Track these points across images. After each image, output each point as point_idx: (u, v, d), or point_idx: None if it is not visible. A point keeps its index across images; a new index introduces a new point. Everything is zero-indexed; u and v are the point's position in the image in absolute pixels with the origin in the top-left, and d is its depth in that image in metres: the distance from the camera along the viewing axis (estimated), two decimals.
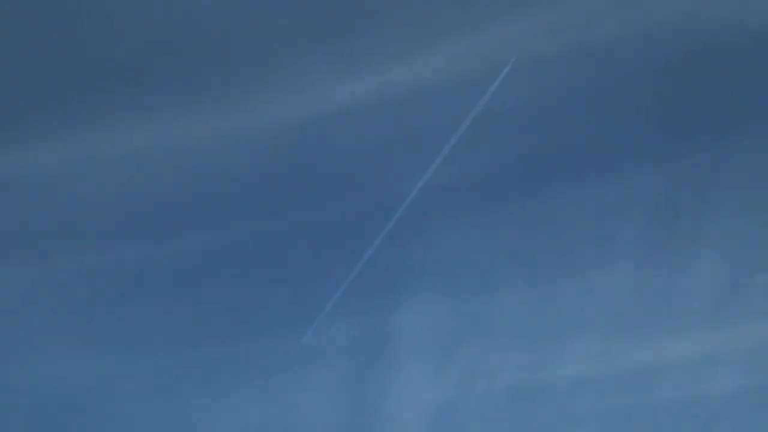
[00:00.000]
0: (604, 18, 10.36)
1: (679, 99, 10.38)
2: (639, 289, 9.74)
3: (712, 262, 9.56)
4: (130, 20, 10.25)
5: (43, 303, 9.61)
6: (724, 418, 9.35)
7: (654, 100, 10.27)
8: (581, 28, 10.49)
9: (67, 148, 9.76)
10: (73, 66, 9.94)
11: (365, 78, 10.15)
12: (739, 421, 9.48)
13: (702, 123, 9.93)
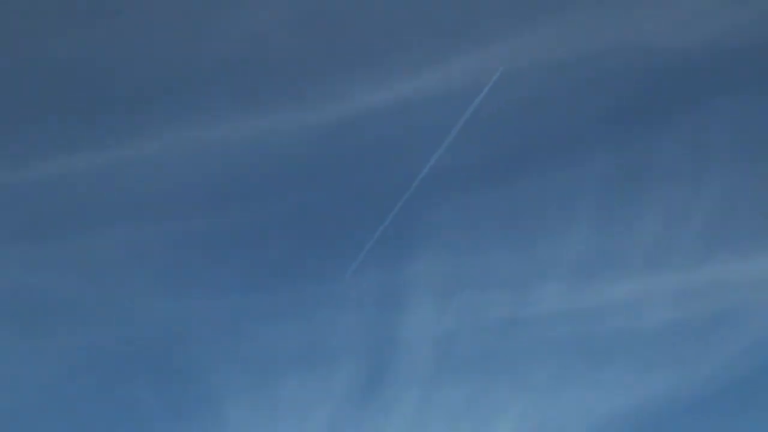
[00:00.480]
0: (575, 36, 13.73)
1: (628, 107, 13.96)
2: (593, 246, 13.34)
3: (646, 226, 13.03)
4: (197, 44, 13.81)
5: (150, 256, 13.01)
6: (655, 343, 13.01)
7: (609, 105, 13.85)
8: (557, 44, 13.84)
9: (163, 141, 13.40)
10: (165, 78, 13.32)
11: (382, 85, 13.50)
12: (668, 346, 12.88)
13: (636, 124, 13.60)
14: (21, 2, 13.86)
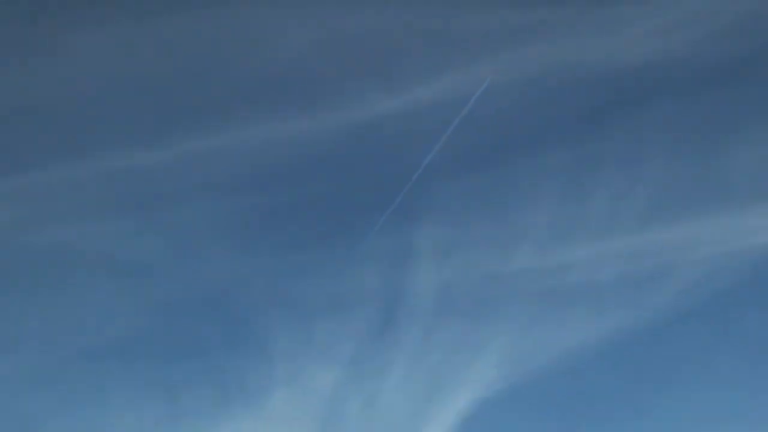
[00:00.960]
0: (545, 55, 18.22)
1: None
2: (559, 218, 17.41)
3: (600, 201, 17.24)
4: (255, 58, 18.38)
5: (219, 225, 18.17)
6: (608, 292, 17.00)
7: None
8: (532, 62, 18.31)
9: (229, 138, 18.35)
10: (228, 92, 18.17)
11: (389, 93, 17.69)
12: (618, 295, 17.04)
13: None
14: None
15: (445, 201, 18.00)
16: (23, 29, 18.03)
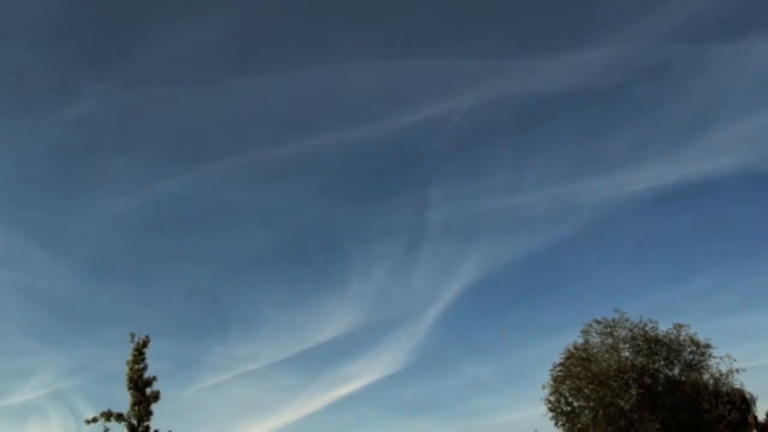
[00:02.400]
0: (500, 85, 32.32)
1: None
2: (511, 180, 26.72)
3: (553, 169, 26.54)
4: None
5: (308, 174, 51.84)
6: (543, 222, 28.09)
7: None
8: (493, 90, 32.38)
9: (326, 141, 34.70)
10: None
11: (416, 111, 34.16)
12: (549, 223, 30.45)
13: None
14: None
15: (446, 172, 47.08)
16: None
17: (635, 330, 41.52)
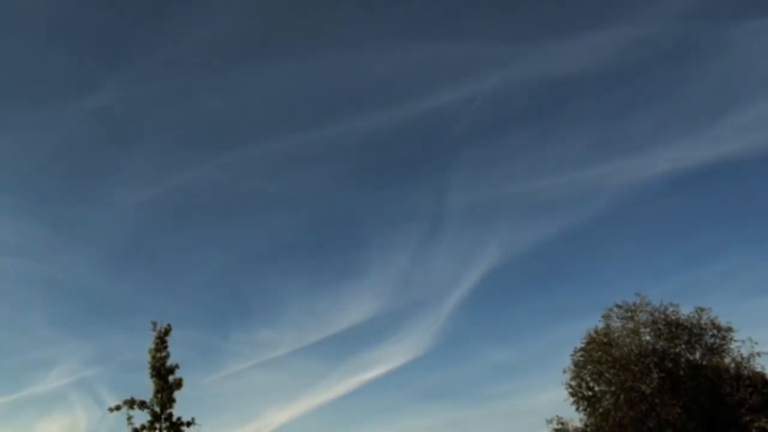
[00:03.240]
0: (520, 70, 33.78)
1: None
2: (532, 163, 29.15)
3: (571, 151, 28.49)
4: None
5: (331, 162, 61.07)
6: (564, 205, 30.35)
7: None
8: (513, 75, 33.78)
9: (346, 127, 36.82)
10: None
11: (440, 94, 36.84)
12: (570, 206, 32.66)
13: None
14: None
15: (466, 157, 51.56)
16: None
17: (656, 314, 41.35)
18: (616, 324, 42.20)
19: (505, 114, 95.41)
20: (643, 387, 39.50)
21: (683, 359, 40.40)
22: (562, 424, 42.94)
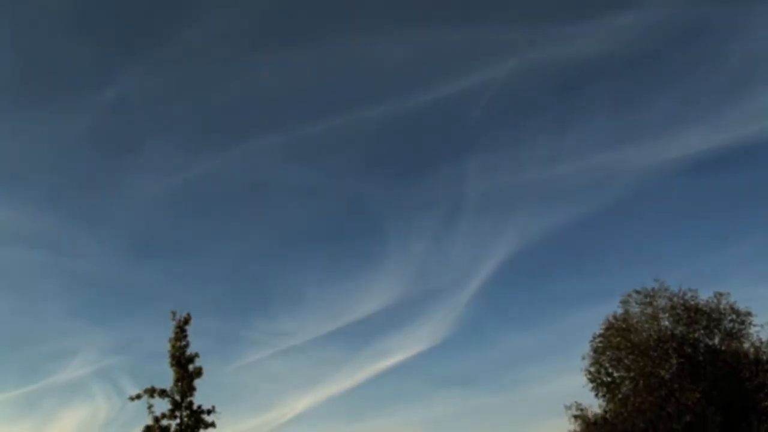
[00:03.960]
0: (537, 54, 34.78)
1: None
2: (548, 150, 29.41)
3: (571, 139, 29.81)
4: None
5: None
6: (582, 192, 30.27)
7: None
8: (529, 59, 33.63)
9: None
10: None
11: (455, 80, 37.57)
12: (587, 193, 34.65)
13: None
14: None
15: (483, 143, 51.05)
16: None
17: (675, 299, 41.27)
18: (635, 309, 42.19)
19: (522, 99, 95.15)
20: (662, 372, 39.47)
21: (702, 344, 40.32)
22: (581, 410, 43.01)
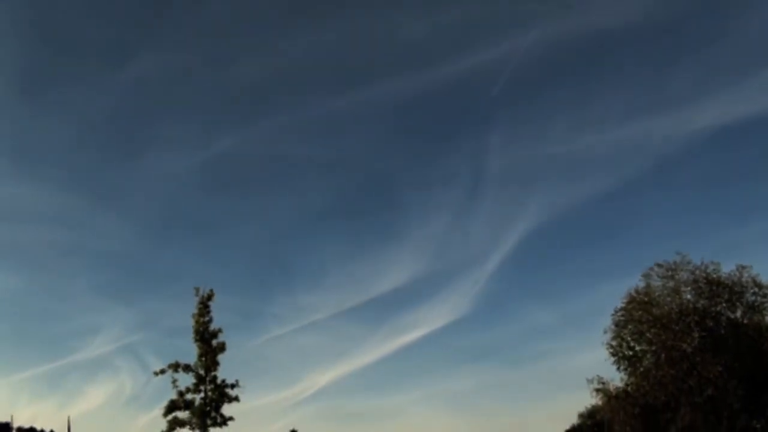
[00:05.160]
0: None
1: None
2: (572, 121, 30.86)
3: (596, 110, 30.90)
4: None
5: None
6: (608, 163, 32.00)
7: None
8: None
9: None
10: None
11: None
12: (613, 165, 35.26)
13: None
14: None
15: (505, 116, 60.70)
16: None
17: (697, 272, 41.04)
18: (657, 283, 42.03)
19: (544, 72, 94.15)
20: (684, 346, 39.42)
21: (724, 317, 40.19)
22: (603, 383, 43.09)
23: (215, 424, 26.21)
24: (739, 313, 40.20)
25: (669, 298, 41.04)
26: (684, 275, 41.25)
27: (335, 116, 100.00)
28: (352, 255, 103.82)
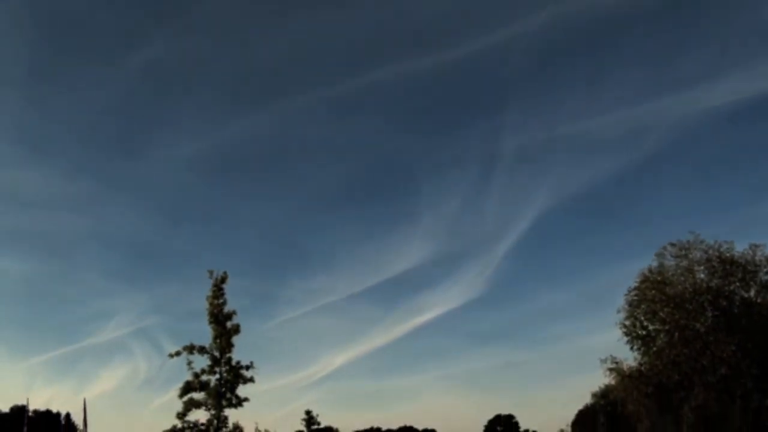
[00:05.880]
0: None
1: None
2: (580, 102, 32.77)
3: (609, 90, 34.13)
4: None
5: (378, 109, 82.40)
6: (616, 144, 35.89)
7: None
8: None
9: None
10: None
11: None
12: (623, 145, 38.71)
13: None
14: None
15: (518, 97, 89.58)
16: None
17: (710, 252, 40.98)
18: (670, 263, 41.98)
19: (556, 53, 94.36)
20: (698, 325, 39.45)
21: (737, 297, 40.15)
22: (616, 363, 43.15)
23: (230, 405, 26.49)
24: (752, 293, 40.14)
25: (682, 278, 40.99)
26: (697, 254, 41.20)
27: (347, 99, 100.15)
28: (365, 237, 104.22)
